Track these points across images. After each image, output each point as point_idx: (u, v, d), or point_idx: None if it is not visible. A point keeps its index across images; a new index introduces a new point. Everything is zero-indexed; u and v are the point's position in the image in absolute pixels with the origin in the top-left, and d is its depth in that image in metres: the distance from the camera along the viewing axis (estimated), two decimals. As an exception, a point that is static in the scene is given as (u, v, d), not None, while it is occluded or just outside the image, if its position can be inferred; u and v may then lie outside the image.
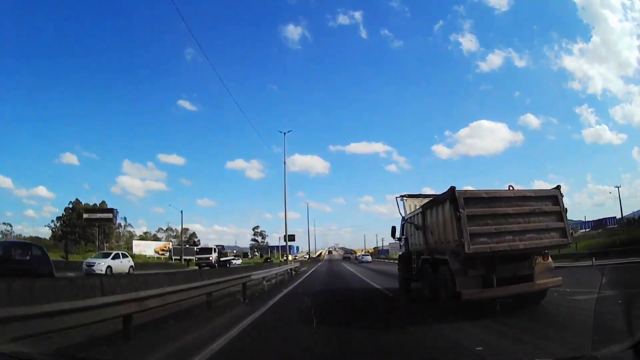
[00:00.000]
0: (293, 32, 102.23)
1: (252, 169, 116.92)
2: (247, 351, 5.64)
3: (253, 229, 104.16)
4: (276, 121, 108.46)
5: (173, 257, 60.93)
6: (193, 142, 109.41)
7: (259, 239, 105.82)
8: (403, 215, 12.41)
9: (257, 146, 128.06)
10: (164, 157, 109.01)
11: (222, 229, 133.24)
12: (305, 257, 78.81)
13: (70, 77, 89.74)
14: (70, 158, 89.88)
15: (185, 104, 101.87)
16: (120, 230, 73.63)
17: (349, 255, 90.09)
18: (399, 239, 13.43)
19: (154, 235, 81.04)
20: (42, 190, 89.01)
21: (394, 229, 13.83)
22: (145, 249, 61.64)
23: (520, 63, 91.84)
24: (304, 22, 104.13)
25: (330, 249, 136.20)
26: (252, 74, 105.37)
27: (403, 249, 12.77)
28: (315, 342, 5.72)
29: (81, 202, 70.30)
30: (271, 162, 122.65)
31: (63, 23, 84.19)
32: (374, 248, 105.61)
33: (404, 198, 12.84)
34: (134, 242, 63.75)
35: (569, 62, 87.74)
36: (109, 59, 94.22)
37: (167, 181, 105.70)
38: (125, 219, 73.04)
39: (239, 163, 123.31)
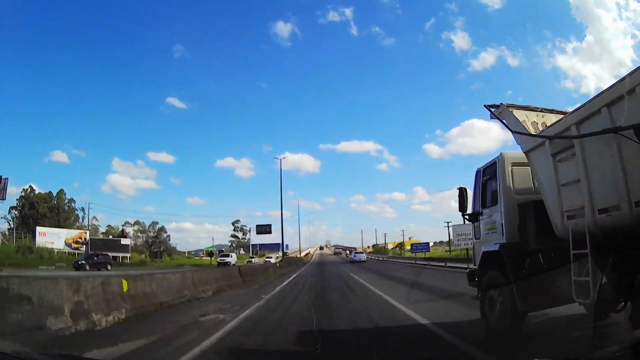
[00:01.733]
0: (283, 29, 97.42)
1: (242, 167, 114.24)
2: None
3: (233, 224, 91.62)
4: (266, 119, 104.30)
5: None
6: (182, 140, 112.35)
7: (240, 235, 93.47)
8: (519, 131, 5.29)
9: (247, 144, 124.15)
10: (153, 155, 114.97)
11: (212, 227, 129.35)
12: (269, 259, 52.10)
13: (59, 75, 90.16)
14: (60, 156, 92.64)
15: (174, 101, 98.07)
16: (80, 222, 64.49)
17: (339, 251, 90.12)
18: (475, 216, 6.70)
19: (122, 229, 71.47)
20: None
21: (462, 193, 6.96)
22: (52, 238, 45.94)
23: (513, 62, 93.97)
24: (294, 18, 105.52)
25: (322, 246, 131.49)
26: (242, 71, 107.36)
27: (498, 236, 5.89)
28: None
29: (35, 190, 63.23)
30: (261, 161, 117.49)
31: (51, 21, 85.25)
32: (372, 246, 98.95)
33: (510, 109, 5.63)
34: (38, 230, 46.96)
35: (563, 61, 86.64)
36: (97, 56, 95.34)
37: (157, 179, 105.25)
38: (83, 209, 64.02)
39: (228, 161, 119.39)
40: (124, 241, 54.15)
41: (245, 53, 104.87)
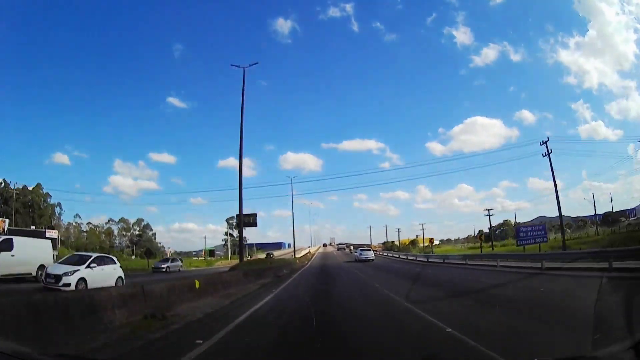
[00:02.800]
0: (283, 25, 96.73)
1: (244, 167, 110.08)
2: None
3: (227, 221, 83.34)
4: (267, 118, 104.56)
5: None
6: (183, 141, 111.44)
7: (235, 233, 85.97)
8: None
9: (248, 144, 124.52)
10: (155, 156, 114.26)
11: (215, 228, 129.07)
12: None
13: (59, 76, 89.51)
14: (62, 158, 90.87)
15: (174, 100, 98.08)
16: (56, 221, 61.76)
17: (343, 247, 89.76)
18: None
19: (107, 227, 68.43)
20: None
21: None
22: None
23: (515, 57, 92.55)
24: (294, 14, 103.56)
25: (325, 244, 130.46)
26: (242, 69, 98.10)
27: None
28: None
29: (9, 184, 60.83)
30: (263, 160, 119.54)
31: (51, 22, 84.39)
32: (383, 243, 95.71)
33: None
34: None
35: (565, 56, 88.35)
36: (96, 56, 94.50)
37: (159, 180, 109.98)
38: (60, 205, 61.56)
39: (230, 161, 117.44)
40: (50, 234, 41.78)
41: (245, 50, 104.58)
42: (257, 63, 34.28)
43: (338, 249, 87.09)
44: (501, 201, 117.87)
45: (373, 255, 43.98)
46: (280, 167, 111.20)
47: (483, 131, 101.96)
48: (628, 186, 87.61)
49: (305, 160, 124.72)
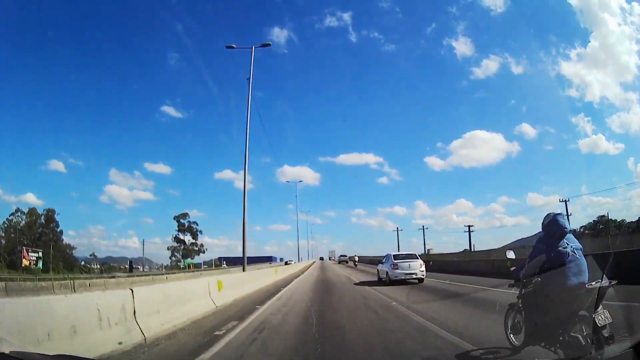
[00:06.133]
0: (279, 34, 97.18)
1: (241, 179, 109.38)
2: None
3: (176, 219, 67.74)
4: (262, 130, 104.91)
5: None
6: (179, 151, 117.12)
7: (187, 238, 67.85)
8: None
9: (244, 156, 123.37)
10: (150, 166, 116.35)
11: (212, 241, 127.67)
12: None
13: (55, 82, 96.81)
14: (57, 165, 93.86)
15: (169, 109, 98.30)
16: None
17: (345, 259, 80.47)
18: None
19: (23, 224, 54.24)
20: (30, 197, 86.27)
21: None
22: None
23: (516, 69, 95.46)
24: (290, 24, 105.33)
25: (322, 257, 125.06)
26: (237, 79, 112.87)
27: None
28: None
29: None
30: (260, 173, 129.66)
31: (47, 28, 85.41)
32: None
33: None
34: None
35: (567, 68, 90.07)
36: (92, 64, 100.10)
37: (154, 191, 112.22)
38: None
39: (227, 174, 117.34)
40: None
41: (240, 60, 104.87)
42: (269, 45, 29.01)
43: (339, 262, 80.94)
44: (500, 217, 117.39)
45: (424, 270, 20.69)
46: (277, 180, 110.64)
47: (483, 145, 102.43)
48: (627, 201, 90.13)
49: (303, 174, 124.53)
